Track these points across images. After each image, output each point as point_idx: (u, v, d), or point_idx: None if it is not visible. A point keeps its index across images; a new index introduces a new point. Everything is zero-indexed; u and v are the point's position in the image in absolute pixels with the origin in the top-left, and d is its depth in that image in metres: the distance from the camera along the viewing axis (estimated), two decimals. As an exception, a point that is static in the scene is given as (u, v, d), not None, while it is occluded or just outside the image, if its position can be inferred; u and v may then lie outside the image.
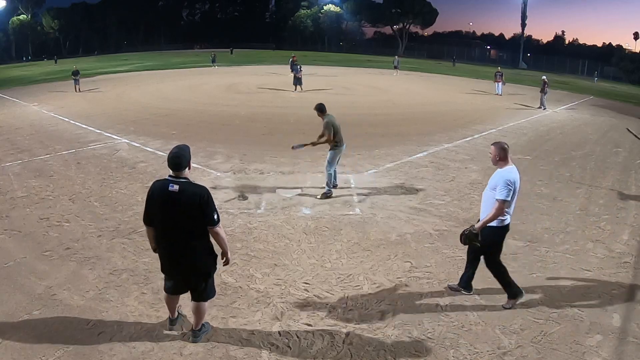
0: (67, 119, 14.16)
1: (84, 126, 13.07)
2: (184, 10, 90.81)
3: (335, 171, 7.52)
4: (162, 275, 3.85)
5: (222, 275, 4.83)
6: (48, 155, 9.81)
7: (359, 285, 4.74)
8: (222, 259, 3.63)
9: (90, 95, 20.23)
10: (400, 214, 6.75)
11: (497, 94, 22.95)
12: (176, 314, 3.97)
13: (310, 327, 4.03)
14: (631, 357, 3.78)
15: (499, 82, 23.13)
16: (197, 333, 3.81)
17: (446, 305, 4.42)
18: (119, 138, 11.51)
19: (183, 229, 3.37)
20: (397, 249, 5.60)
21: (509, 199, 3.99)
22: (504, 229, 4.19)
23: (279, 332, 3.95)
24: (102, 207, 6.81)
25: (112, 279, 4.77)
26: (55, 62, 46.89)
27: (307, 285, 4.72)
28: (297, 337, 3.90)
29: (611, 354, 3.80)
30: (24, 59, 59.63)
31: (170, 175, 3.37)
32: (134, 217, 6.32)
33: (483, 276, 4.99)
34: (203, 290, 3.65)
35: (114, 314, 4.15)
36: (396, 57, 36.53)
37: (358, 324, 4.10)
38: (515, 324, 4.16)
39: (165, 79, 27.23)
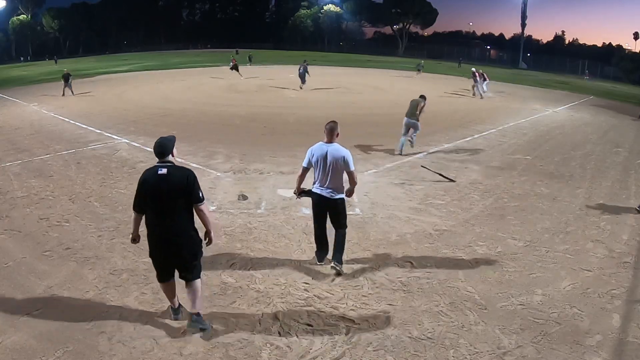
0: (67, 119, 14.16)
1: (84, 126, 13.07)
2: (184, 10, 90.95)
3: None
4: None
5: (222, 275, 4.85)
6: (48, 155, 9.82)
7: (359, 285, 4.74)
8: (205, 239, 3.85)
9: (90, 96, 20.22)
10: (400, 214, 6.75)
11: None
12: (177, 303, 4.03)
13: (310, 327, 4.03)
14: (631, 357, 3.78)
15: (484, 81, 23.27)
16: (196, 317, 3.84)
17: (446, 305, 4.42)
18: (119, 138, 11.52)
19: (173, 208, 3.65)
20: (397, 249, 5.60)
21: (304, 165, 4.91)
22: (310, 193, 4.96)
23: (279, 332, 3.95)
24: (102, 207, 6.81)
25: (112, 279, 4.77)
26: (56, 62, 46.93)
27: (307, 285, 4.72)
28: (297, 337, 3.90)
29: (611, 354, 3.80)
30: (22, 59, 59.59)
31: (157, 162, 3.70)
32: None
33: (482, 276, 5.00)
34: (191, 270, 3.81)
35: (114, 314, 4.15)
36: (422, 61, 36.27)
37: (358, 324, 4.10)
38: (515, 324, 4.16)
39: (165, 79, 27.23)
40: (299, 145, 10.77)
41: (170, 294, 3.96)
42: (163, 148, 3.70)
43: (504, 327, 4.11)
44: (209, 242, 3.88)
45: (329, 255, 5.13)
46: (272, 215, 6.58)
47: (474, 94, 21.79)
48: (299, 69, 22.15)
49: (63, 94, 19.63)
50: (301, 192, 5.05)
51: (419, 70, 33.35)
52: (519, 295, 4.64)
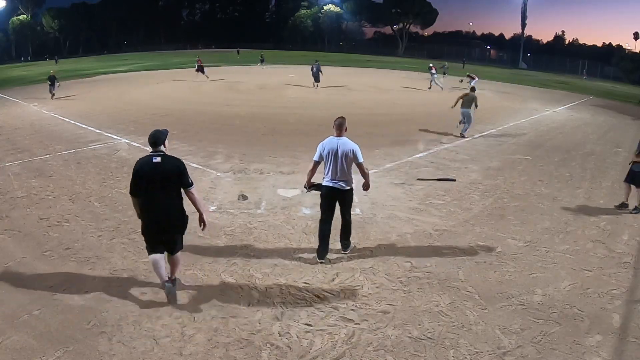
0: (67, 119, 14.17)
1: (84, 126, 13.07)
2: (184, 10, 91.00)
3: None
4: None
5: (222, 275, 4.85)
6: (48, 155, 9.82)
7: (359, 285, 4.74)
8: (200, 224, 4.29)
9: (90, 96, 20.20)
10: (400, 214, 6.75)
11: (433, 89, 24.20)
12: (166, 277, 4.38)
13: (310, 327, 4.03)
14: (631, 357, 3.78)
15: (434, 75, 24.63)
16: (171, 283, 4.39)
17: (446, 305, 4.42)
18: (119, 138, 11.52)
19: (165, 191, 4.11)
20: (397, 249, 5.60)
21: (316, 159, 5.14)
22: (321, 186, 5.21)
23: (279, 332, 3.95)
24: (102, 207, 6.81)
25: (112, 279, 4.77)
26: (56, 62, 46.93)
27: (307, 285, 4.72)
28: (297, 337, 3.90)
29: (611, 354, 3.80)
30: (22, 59, 59.59)
31: (151, 152, 4.17)
32: (134, 217, 6.26)
33: (482, 276, 5.00)
34: (175, 245, 4.32)
35: (114, 314, 4.15)
36: (446, 63, 34.12)
37: (358, 324, 4.10)
38: (515, 324, 4.16)
39: (165, 79, 27.20)
40: (299, 145, 10.78)
41: (160, 270, 4.31)
42: (156, 138, 4.19)
43: (504, 327, 4.11)
44: (204, 227, 4.31)
45: (331, 252, 5.14)
46: (272, 215, 6.58)
47: (429, 87, 23.98)
48: (312, 69, 23.20)
49: (52, 97, 18.87)
50: (311, 186, 5.29)
51: (444, 73, 30.37)
52: (519, 295, 4.64)
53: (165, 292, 4.35)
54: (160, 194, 4.10)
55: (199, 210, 4.23)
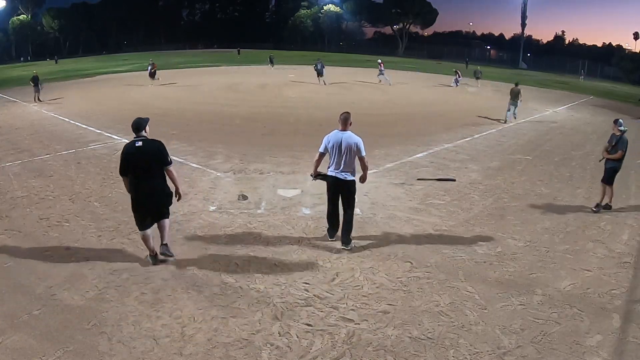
0: (67, 119, 14.17)
1: (84, 126, 13.07)
2: (184, 10, 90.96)
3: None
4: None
5: (222, 275, 4.85)
6: (48, 155, 9.82)
7: (359, 285, 4.74)
8: (176, 196, 4.93)
9: (90, 96, 20.20)
10: (400, 214, 6.75)
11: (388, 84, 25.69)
12: (154, 251, 5.00)
13: (310, 327, 4.03)
14: (631, 357, 3.78)
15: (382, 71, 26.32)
16: (165, 247, 4.99)
17: (446, 305, 4.42)
18: (119, 138, 11.51)
19: (149, 173, 4.70)
20: (397, 249, 5.61)
21: (321, 150, 5.41)
22: (327, 176, 5.47)
23: (279, 332, 3.95)
24: (102, 207, 6.81)
25: (112, 279, 4.77)
26: (56, 62, 46.95)
27: (307, 285, 4.72)
28: (297, 337, 3.90)
29: (611, 354, 3.80)
30: (22, 59, 59.57)
31: (134, 137, 4.75)
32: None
33: (482, 276, 5.00)
34: (161, 215, 4.96)
35: (114, 314, 4.15)
36: (478, 67, 31.58)
37: (358, 324, 4.10)
38: (515, 324, 4.16)
39: (165, 79, 27.17)
40: (299, 145, 10.78)
41: (149, 244, 4.93)
42: (138, 124, 4.79)
43: (504, 327, 4.11)
44: (179, 198, 4.96)
45: (332, 252, 5.14)
46: (272, 215, 6.57)
47: (380, 81, 26.09)
48: (316, 66, 24.13)
49: (34, 100, 17.88)
50: (317, 175, 5.56)
51: (477, 77, 28.11)
52: (519, 295, 4.64)
53: (159, 254, 5.03)
54: (145, 177, 4.69)
55: (175, 185, 4.88)
